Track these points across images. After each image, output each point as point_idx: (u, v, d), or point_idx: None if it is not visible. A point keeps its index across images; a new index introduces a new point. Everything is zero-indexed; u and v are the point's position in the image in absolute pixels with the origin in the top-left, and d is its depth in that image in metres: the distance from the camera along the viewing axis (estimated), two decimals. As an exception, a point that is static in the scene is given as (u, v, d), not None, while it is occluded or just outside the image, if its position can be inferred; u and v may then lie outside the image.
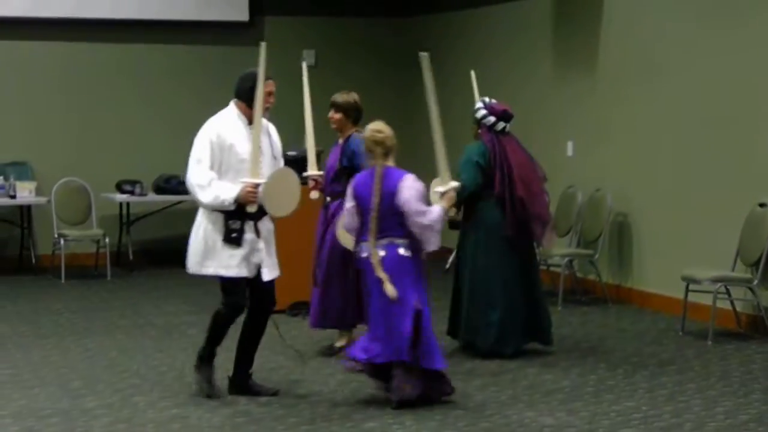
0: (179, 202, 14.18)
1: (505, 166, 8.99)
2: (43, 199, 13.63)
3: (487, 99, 9.21)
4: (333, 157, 9.05)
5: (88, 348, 9.56)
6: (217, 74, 14.42)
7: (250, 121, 7.66)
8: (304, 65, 9.37)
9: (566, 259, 11.42)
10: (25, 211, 13.89)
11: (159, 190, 13.92)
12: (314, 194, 9.06)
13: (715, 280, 9.69)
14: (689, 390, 8.05)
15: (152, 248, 14.42)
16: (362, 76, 15.03)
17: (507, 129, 9.15)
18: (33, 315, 11.02)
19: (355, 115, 9.09)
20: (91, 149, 14.26)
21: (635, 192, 11.34)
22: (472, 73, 9.60)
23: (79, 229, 13.61)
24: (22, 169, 13.83)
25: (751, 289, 9.76)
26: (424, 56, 7.95)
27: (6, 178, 13.52)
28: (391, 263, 7.54)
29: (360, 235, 7.69)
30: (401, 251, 7.58)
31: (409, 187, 7.56)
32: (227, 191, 7.49)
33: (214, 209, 7.57)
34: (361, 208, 7.66)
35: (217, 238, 7.59)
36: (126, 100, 14.41)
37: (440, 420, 7.32)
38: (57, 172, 13.86)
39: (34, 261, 13.74)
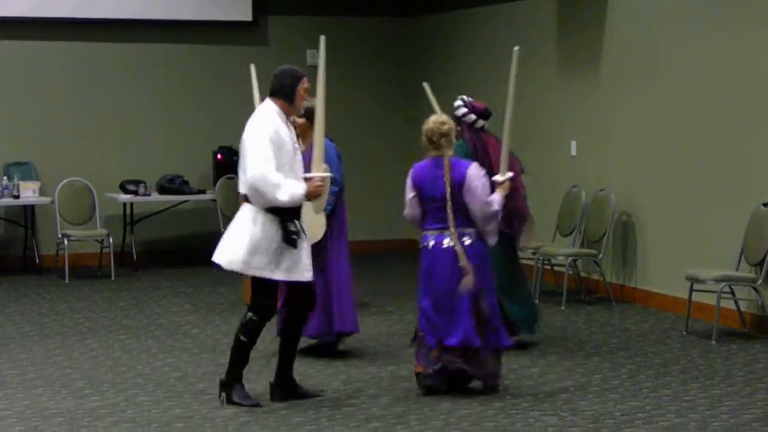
0: (183, 202, 14.20)
1: (486, 164, 9.03)
2: (46, 199, 13.63)
3: (465, 97, 9.26)
4: None
5: (92, 348, 9.56)
6: (220, 74, 14.45)
7: (287, 118, 7.69)
8: (252, 68, 9.40)
9: (570, 259, 11.41)
10: (29, 211, 13.89)
11: (162, 190, 13.92)
12: None
13: (719, 280, 9.68)
14: (693, 389, 8.04)
15: (156, 248, 14.43)
16: (366, 76, 15.04)
17: (486, 127, 9.20)
18: (37, 315, 11.02)
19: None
20: (95, 149, 14.26)
21: (639, 192, 11.33)
22: (425, 86, 9.62)
23: (82, 229, 13.61)
24: (25, 169, 13.83)
25: (755, 288, 9.74)
26: (515, 51, 8.24)
27: (9, 178, 13.53)
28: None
29: (424, 225, 7.88)
30: (468, 241, 7.80)
31: (476, 176, 7.81)
32: (299, 187, 7.50)
33: (286, 206, 7.49)
34: (423, 199, 7.83)
35: (272, 239, 7.51)
36: (129, 99, 14.40)
37: (444, 419, 7.31)
38: (60, 172, 13.86)
39: (37, 261, 13.74)
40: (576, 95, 12.23)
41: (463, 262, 7.72)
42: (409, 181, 7.94)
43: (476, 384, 8.00)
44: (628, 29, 11.50)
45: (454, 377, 7.90)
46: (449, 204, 7.71)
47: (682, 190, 10.81)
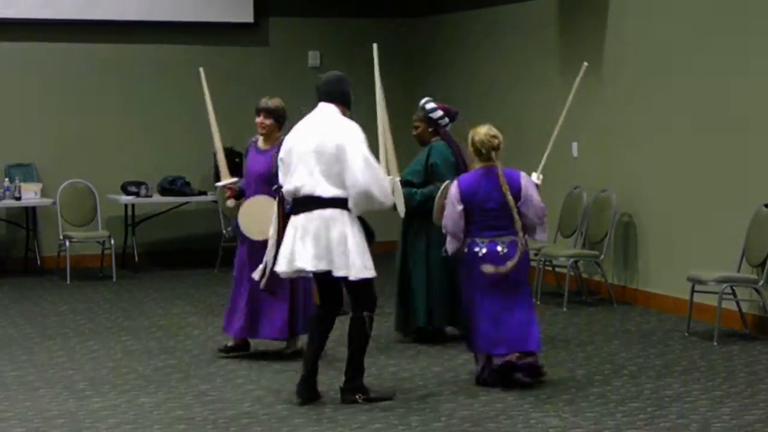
0: (184, 203, 14.20)
1: (461, 163, 9.28)
2: (48, 201, 13.63)
3: (431, 99, 9.46)
4: (261, 164, 8.95)
5: (94, 349, 9.56)
6: (222, 75, 14.42)
7: None
8: (201, 71, 9.45)
9: (571, 260, 11.40)
10: (30, 212, 13.89)
11: (164, 191, 13.92)
12: (231, 202, 9.10)
13: (721, 281, 9.68)
14: (695, 391, 8.04)
15: (157, 249, 14.43)
16: (366, 77, 15.01)
17: (449, 128, 9.57)
18: (38, 316, 11.02)
19: (282, 121, 9.11)
20: (96, 151, 14.25)
21: (640, 193, 11.33)
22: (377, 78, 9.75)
23: (84, 231, 13.61)
24: (27, 171, 13.83)
25: (756, 289, 9.74)
26: (584, 66, 8.64)
27: (11, 180, 13.53)
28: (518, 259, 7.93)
29: (470, 233, 7.95)
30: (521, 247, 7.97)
31: (530, 184, 8.02)
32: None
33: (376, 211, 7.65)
34: (473, 209, 7.92)
35: (363, 239, 7.61)
36: (131, 101, 14.39)
37: (446, 421, 7.31)
38: (62, 173, 13.86)
39: (39, 262, 13.74)
40: (577, 96, 12.20)
41: (506, 265, 7.83)
42: (456, 194, 7.96)
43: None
44: (629, 30, 11.50)
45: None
46: (515, 211, 7.83)
47: (683, 191, 10.81)
